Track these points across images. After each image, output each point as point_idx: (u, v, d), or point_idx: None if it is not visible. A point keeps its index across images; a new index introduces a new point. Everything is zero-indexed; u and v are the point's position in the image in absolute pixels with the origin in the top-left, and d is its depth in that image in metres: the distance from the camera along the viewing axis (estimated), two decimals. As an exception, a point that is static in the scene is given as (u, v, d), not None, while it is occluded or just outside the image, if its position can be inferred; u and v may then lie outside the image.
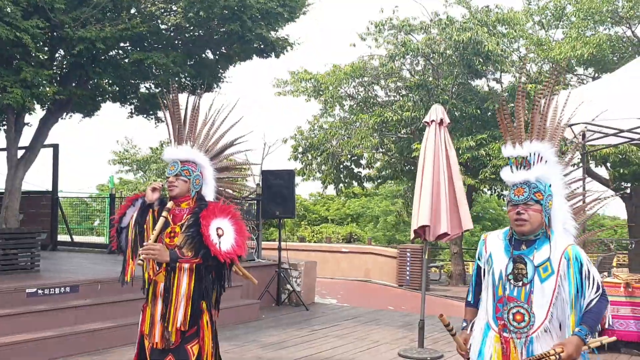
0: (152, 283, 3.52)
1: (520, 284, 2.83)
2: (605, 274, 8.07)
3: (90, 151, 59.04)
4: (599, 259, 12.76)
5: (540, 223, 2.84)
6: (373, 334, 8.05)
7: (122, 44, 9.62)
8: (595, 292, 2.77)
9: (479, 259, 3.07)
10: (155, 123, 11.89)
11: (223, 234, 3.45)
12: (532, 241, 2.86)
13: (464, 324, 3.10)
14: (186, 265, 3.43)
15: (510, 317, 2.84)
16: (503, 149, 3.01)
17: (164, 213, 3.47)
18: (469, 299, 3.16)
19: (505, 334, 2.85)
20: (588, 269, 2.80)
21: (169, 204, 3.52)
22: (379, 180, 21.09)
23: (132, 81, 10.44)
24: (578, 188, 3.69)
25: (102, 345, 6.66)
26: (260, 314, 9.01)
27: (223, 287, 3.63)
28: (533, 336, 2.80)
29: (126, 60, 9.71)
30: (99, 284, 7.48)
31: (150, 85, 10.96)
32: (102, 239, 17.68)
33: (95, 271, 8.78)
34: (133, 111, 11.56)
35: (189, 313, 3.43)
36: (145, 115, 11.61)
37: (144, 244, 3.41)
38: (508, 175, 2.95)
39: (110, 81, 10.18)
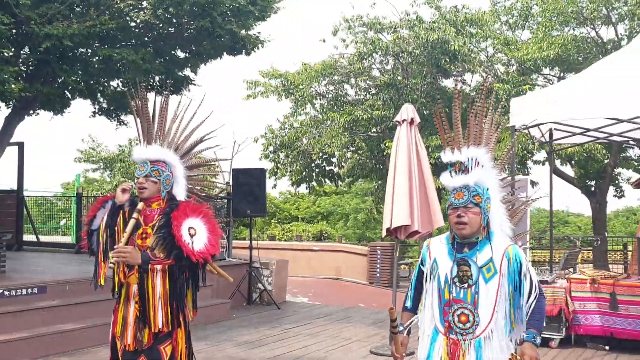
0: (125, 285, 3.49)
1: (465, 285, 2.89)
2: (571, 270, 8.25)
3: (54, 149, 58.02)
4: (565, 255, 13.02)
5: (479, 225, 2.91)
6: (345, 331, 8.10)
7: (90, 41, 9.46)
8: (534, 293, 2.86)
9: (422, 264, 3.10)
10: (117, 125, 11.75)
11: (195, 234, 3.43)
12: (473, 243, 2.93)
13: (401, 328, 3.09)
14: (159, 267, 3.40)
15: (455, 318, 2.90)
16: (442, 154, 3.07)
17: (135, 214, 3.43)
18: (407, 304, 3.16)
19: (451, 336, 2.91)
20: (527, 269, 2.88)
21: (140, 205, 3.48)
22: (349, 179, 21.18)
23: (101, 79, 10.28)
24: (516, 188, 3.79)
25: (72, 347, 6.56)
26: (231, 313, 8.98)
27: (197, 286, 3.61)
28: (481, 337, 2.86)
29: (95, 58, 9.56)
30: (67, 285, 7.36)
31: (118, 84, 10.80)
32: (69, 239, 17.37)
33: (63, 271, 8.64)
34: (97, 111, 11.39)
35: (169, 314, 3.42)
36: (108, 117, 11.46)
37: (115, 246, 3.38)
38: (448, 180, 3.02)
39: (78, 79, 10.01)
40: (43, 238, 14.85)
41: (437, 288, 2.97)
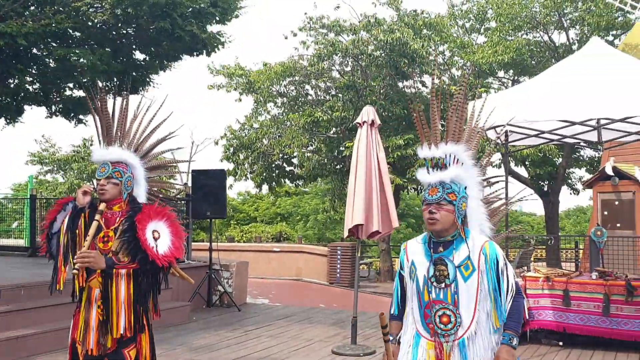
0: (85, 289, 3.44)
1: (443, 285, 2.84)
2: (525, 268, 8.46)
3: (2, 150, 56.27)
4: (520, 253, 13.36)
5: (452, 223, 2.87)
6: (306, 332, 8.12)
7: (45, 40, 9.23)
8: (510, 292, 2.84)
9: (401, 269, 3.05)
10: (76, 124, 11.49)
11: (159, 237, 3.41)
12: (449, 242, 2.89)
13: (391, 338, 3.04)
14: (123, 271, 3.37)
15: (437, 319, 2.85)
16: (419, 150, 3.04)
17: (97, 217, 3.39)
18: (393, 311, 3.10)
19: (435, 338, 2.86)
20: (504, 267, 2.86)
21: (101, 207, 3.43)
22: (309, 179, 21.24)
23: (57, 81, 10.02)
24: (497, 191, 3.79)
25: (26, 352, 6.39)
26: (191, 316, 8.90)
27: (159, 289, 3.59)
28: (464, 338, 2.81)
29: (50, 58, 9.32)
30: (21, 289, 7.18)
31: (75, 85, 10.56)
32: (21, 242, 16.89)
33: (16, 275, 8.40)
34: (54, 112, 11.11)
35: (132, 319, 3.38)
36: (66, 117, 11.20)
37: (79, 251, 3.33)
38: (424, 175, 2.97)
39: (32, 80, 9.73)
40: (-5, 241, 14.43)
41: (416, 290, 2.93)
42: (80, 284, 3.42)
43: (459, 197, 2.88)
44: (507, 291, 2.83)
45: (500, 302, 2.83)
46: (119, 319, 3.35)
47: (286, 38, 19.14)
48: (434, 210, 2.86)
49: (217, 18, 9.23)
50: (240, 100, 19.91)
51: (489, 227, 3.12)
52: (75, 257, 3.31)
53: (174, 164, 4.08)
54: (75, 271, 3.32)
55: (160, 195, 3.87)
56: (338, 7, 18.76)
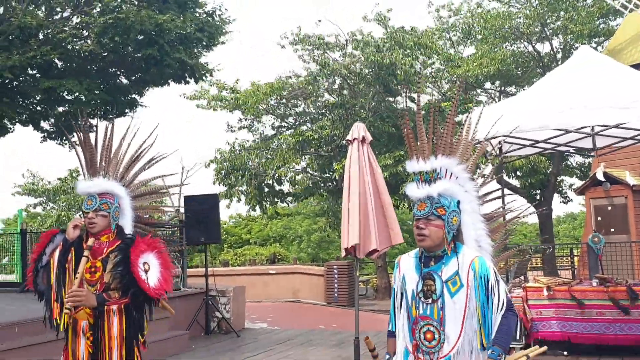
0: (71, 321, 3.37)
1: (430, 300, 2.79)
2: (522, 278, 8.41)
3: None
4: (516, 264, 13.30)
5: (442, 238, 2.81)
6: (307, 355, 8.00)
7: (31, 72, 9.17)
8: (501, 309, 2.75)
9: (395, 283, 3.01)
10: (70, 148, 11.42)
11: (149, 269, 3.38)
12: (440, 257, 2.83)
13: (387, 357, 2.99)
14: (114, 307, 3.34)
15: (422, 336, 2.79)
16: (408, 164, 2.99)
17: (85, 253, 3.35)
18: (390, 327, 3.04)
19: (419, 355, 2.79)
20: (494, 284, 2.77)
21: (90, 242, 3.38)
22: (301, 198, 21.19)
23: (43, 111, 9.96)
24: (501, 207, 3.61)
25: (23, 392, 6.24)
26: (189, 344, 8.75)
27: (147, 320, 3.54)
28: (450, 355, 2.73)
29: (36, 90, 9.26)
30: (15, 327, 7.02)
31: (60, 111, 10.49)
32: (11, 277, 16.62)
33: (9, 312, 8.23)
34: (46, 136, 11.03)
35: (124, 353, 3.34)
36: (58, 141, 11.12)
37: (69, 290, 3.27)
38: (413, 190, 2.93)
39: (19, 110, 9.67)
40: (-17, 278, 14.19)
41: (405, 305, 2.88)
42: (68, 321, 3.34)
43: (449, 212, 2.82)
44: (497, 308, 2.75)
45: (488, 319, 2.75)
46: (112, 353, 3.33)
47: (282, 46, 19.02)
48: (422, 226, 2.82)
49: (204, 43, 9.21)
50: (231, 112, 19.82)
51: (489, 243, 3.02)
52: (66, 296, 3.25)
53: (163, 191, 4.01)
54: (67, 310, 3.25)
55: (150, 222, 3.82)
56: (320, 21, 18.84)
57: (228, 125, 20.26)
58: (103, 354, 3.32)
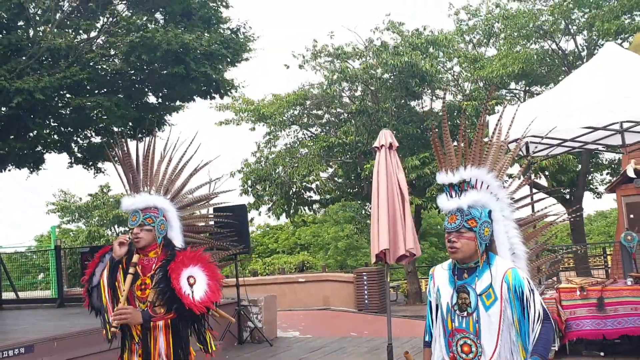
0: (128, 337, 3.43)
1: (465, 314, 2.78)
2: (554, 279, 8.32)
3: (22, 203, 57.02)
4: (548, 265, 13.14)
5: (474, 250, 2.79)
6: (341, 362, 8.01)
7: (61, 92, 9.39)
8: (538, 319, 2.73)
9: (430, 295, 3.01)
10: (95, 173, 11.63)
11: (195, 282, 3.38)
12: (473, 269, 2.82)
13: None
14: (161, 323, 3.36)
15: (459, 349, 2.79)
16: (438, 175, 2.96)
17: (131, 270, 3.38)
18: (427, 338, 3.05)
19: None
20: (529, 295, 2.74)
21: (134, 259, 3.41)
22: (327, 205, 21.26)
23: (74, 130, 10.17)
24: (533, 214, 3.46)
25: (65, 406, 6.37)
26: (223, 355, 8.81)
27: (204, 334, 3.57)
28: None
29: (67, 110, 9.47)
30: (54, 341, 7.16)
31: (92, 134, 10.71)
32: (48, 293, 16.97)
33: (48, 328, 8.42)
34: (73, 162, 11.27)
35: None
36: (84, 166, 11.35)
37: (116, 308, 3.32)
38: (443, 202, 2.91)
39: (51, 132, 9.89)
40: (21, 294, 14.51)
41: (441, 318, 2.89)
42: (135, 334, 3.41)
43: (480, 223, 2.80)
44: (534, 319, 2.73)
45: (526, 331, 2.74)
46: None
47: (287, 67, 19.32)
48: (453, 239, 2.81)
49: (229, 59, 9.33)
50: (254, 129, 20.04)
51: (524, 251, 2.98)
52: (112, 314, 3.30)
53: (212, 197, 4.05)
54: (114, 329, 3.31)
55: (202, 230, 3.87)
56: (332, 32, 18.96)
57: (256, 144, 20.50)
58: None
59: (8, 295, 13.42)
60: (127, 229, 3.58)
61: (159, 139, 3.90)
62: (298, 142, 19.92)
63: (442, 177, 2.93)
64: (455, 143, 3.03)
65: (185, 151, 3.83)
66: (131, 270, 3.38)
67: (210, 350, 3.58)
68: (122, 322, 3.29)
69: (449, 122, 16.87)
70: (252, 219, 20.79)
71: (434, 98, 18.83)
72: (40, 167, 11.29)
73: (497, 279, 2.76)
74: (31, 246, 29.11)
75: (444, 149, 2.98)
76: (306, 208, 20.98)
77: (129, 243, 3.50)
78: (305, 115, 19.49)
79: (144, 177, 3.66)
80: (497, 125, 3.08)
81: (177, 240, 3.60)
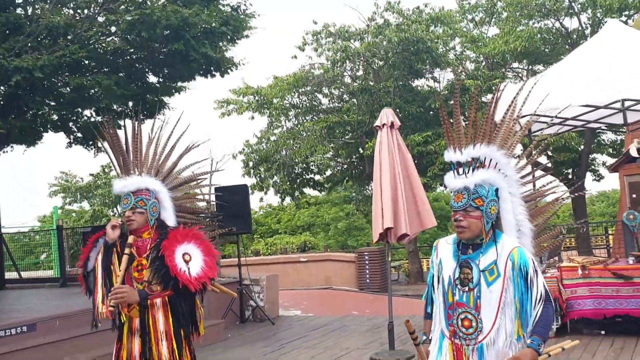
0: (127, 319, 3.44)
1: (466, 288, 2.79)
2: (556, 258, 8.32)
3: (24, 183, 57.24)
4: (549, 244, 13.13)
5: (481, 229, 2.79)
6: (342, 341, 8.05)
7: (60, 71, 9.31)
8: (540, 301, 2.74)
9: (432, 267, 3.01)
10: (95, 152, 11.60)
11: (190, 259, 3.38)
12: (478, 245, 2.82)
13: (424, 337, 3.04)
14: (158, 301, 3.37)
15: (459, 322, 2.81)
16: (446, 153, 2.94)
17: (126, 250, 3.38)
18: (428, 310, 3.07)
19: (456, 341, 2.82)
20: (534, 275, 2.75)
21: (130, 239, 3.42)
22: (332, 184, 21.25)
23: (74, 108, 10.12)
24: (543, 187, 3.40)
25: (68, 383, 6.41)
26: (225, 333, 8.86)
27: (200, 310, 3.57)
28: (483, 343, 2.76)
29: (67, 88, 9.42)
30: (56, 320, 7.20)
31: (91, 113, 10.66)
32: (50, 273, 17.06)
33: (50, 307, 8.47)
34: (72, 141, 11.23)
35: (174, 347, 3.37)
36: (85, 145, 11.32)
37: (112, 288, 3.33)
38: (450, 180, 2.89)
39: (50, 110, 9.85)
40: (24, 274, 14.59)
41: (442, 291, 2.90)
42: (123, 316, 3.43)
43: (487, 202, 2.79)
44: (536, 299, 2.73)
45: (527, 310, 2.75)
46: (161, 350, 3.35)
47: (295, 57, 19.29)
48: (460, 218, 2.80)
49: (229, 36, 9.23)
50: (252, 118, 20.00)
51: (530, 228, 2.96)
52: (109, 294, 3.31)
53: (200, 178, 4.02)
54: (111, 308, 3.32)
55: (193, 210, 3.86)
56: (332, 22, 18.87)
57: (252, 117, 20.40)
58: (152, 350, 3.35)
59: (11, 275, 13.48)
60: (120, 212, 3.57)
61: (159, 121, 3.86)
62: (299, 125, 19.86)
63: (451, 155, 2.90)
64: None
65: (172, 132, 3.79)
66: (127, 251, 3.38)
67: (199, 333, 3.57)
68: (118, 301, 3.30)
69: (449, 101, 16.85)
70: (261, 199, 20.80)
71: (437, 77, 18.73)
72: (37, 143, 11.23)
73: (502, 256, 2.76)
74: (34, 226, 29.24)
75: (454, 126, 2.93)
76: (309, 189, 21.00)
77: (122, 225, 3.50)
78: (305, 97, 19.38)
79: (134, 159, 3.64)
80: (512, 102, 3.02)
81: (170, 220, 3.60)
